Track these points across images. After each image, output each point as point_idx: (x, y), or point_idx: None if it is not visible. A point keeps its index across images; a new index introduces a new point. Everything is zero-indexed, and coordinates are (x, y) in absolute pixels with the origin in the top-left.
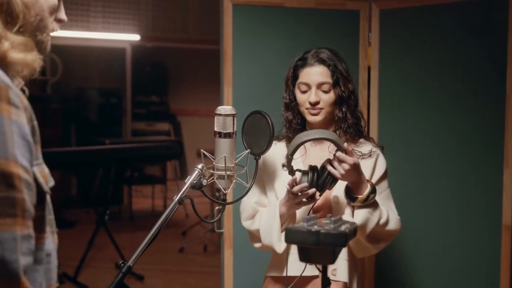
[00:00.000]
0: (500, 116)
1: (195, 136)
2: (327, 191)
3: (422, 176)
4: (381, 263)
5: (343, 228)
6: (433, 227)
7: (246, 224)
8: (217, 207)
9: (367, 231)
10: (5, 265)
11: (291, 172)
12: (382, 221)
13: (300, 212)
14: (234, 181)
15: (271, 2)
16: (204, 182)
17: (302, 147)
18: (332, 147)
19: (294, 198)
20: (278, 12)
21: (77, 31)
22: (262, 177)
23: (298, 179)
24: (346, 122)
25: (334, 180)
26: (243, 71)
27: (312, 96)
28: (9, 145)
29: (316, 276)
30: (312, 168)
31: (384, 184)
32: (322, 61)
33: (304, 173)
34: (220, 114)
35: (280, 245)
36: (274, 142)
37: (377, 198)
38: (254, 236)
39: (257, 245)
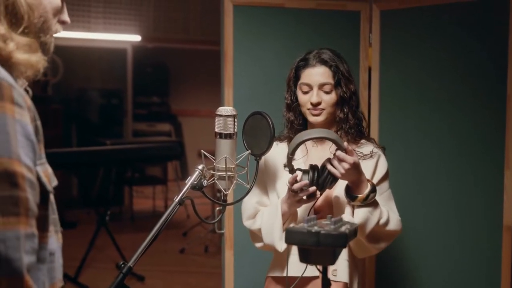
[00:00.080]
0: (500, 117)
1: (196, 137)
2: (328, 191)
3: (423, 177)
4: (382, 263)
5: (343, 229)
6: (433, 228)
7: (248, 223)
8: (217, 208)
9: (367, 231)
10: (9, 263)
11: (292, 171)
12: (382, 221)
13: (301, 212)
14: (234, 182)
15: (272, 3)
16: (205, 183)
17: (303, 147)
18: (334, 148)
19: (294, 196)
20: (279, 13)
21: (78, 31)
22: (263, 178)
23: (299, 178)
24: (348, 123)
25: (334, 179)
26: (244, 72)
27: (313, 96)
28: (13, 144)
29: (317, 277)
30: (313, 167)
31: (385, 185)
32: (323, 62)
33: (304, 171)
34: (220, 115)
35: (281, 244)
36: (275, 142)
37: (378, 198)
38: (256, 235)
39: (259, 244)
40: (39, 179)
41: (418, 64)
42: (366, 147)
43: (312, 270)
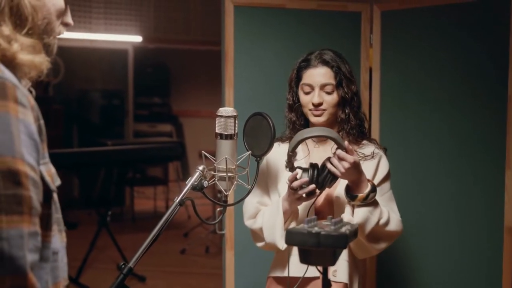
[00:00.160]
0: (501, 118)
1: (197, 138)
2: (329, 191)
3: (423, 177)
4: (383, 264)
5: (343, 229)
6: (434, 229)
7: (249, 223)
8: (218, 209)
9: (367, 231)
10: (12, 261)
11: (292, 168)
12: (382, 221)
13: (302, 211)
14: (235, 182)
15: (273, 4)
16: (205, 183)
17: (305, 148)
18: (335, 148)
19: (294, 194)
20: (280, 13)
21: (79, 32)
22: (265, 178)
23: (298, 176)
24: (349, 124)
25: (334, 178)
26: (245, 73)
27: (315, 97)
28: (16, 144)
29: (317, 277)
30: (313, 165)
31: (387, 185)
32: (325, 63)
33: (304, 169)
34: (221, 116)
35: (282, 242)
36: (277, 143)
37: (380, 199)
38: (257, 235)
39: (260, 244)
40: (42, 178)
41: (419, 64)
42: (368, 148)
43: (313, 271)
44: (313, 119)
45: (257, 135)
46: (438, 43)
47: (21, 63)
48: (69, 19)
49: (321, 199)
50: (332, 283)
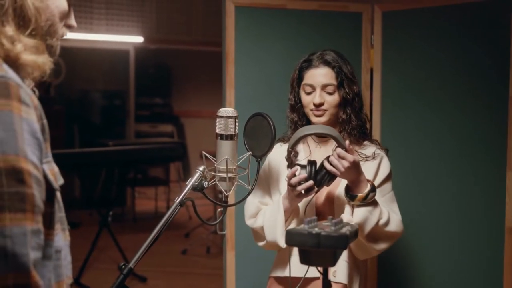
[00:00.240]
0: (503, 118)
1: (198, 138)
2: (330, 191)
3: (424, 178)
4: (384, 264)
5: (344, 230)
6: (435, 229)
7: (250, 222)
8: (219, 209)
9: (366, 231)
10: (16, 258)
11: (291, 164)
12: (382, 221)
13: (303, 211)
14: (235, 183)
15: (273, 4)
16: (206, 184)
17: (306, 147)
18: (335, 147)
19: (293, 190)
20: (280, 14)
21: (81, 33)
22: (267, 178)
23: (297, 173)
24: (350, 124)
25: (332, 176)
26: (246, 73)
27: (316, 97)
28: (20, 142)
29: (317, 278)
30: (311, 162)
31: (388, 186)
32: (327, 63)
33: (302, 166)
34: (221, 116)
35: (283, 240)
36: (279, 143)
37: (381, 200)
38: (258, 234)
39: (261, 243)
40: (45, 176)
41: (420, 65)
42: (369, 149)
43: (313, 271)
44: (314, 119)
45: (257, 136)
46: (439, 43)
47: (24, 63)
48: (72, 21)
49: (322, 199)
50: (332, 283)
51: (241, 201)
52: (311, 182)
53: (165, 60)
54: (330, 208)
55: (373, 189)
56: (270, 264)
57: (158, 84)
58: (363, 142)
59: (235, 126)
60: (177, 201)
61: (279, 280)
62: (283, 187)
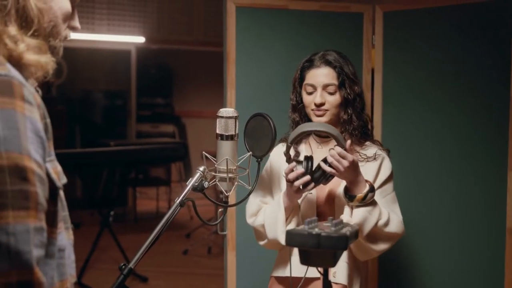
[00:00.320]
0: (503, 118)
1: (199, 138)
2: (331, 191)
3: (425, 178)
4: (385, 264)
5: (344, 231)
6: (435, 230)
7: (250, 220)
8: (220, 209)
9: (366, 231)
10: (19, 256)
11: (289, 160)
12: (382, 222)
13: (304, 210)
14: (236, 183)
15: (275, 5)
16: (206, 184)
17: (308, 147)
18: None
19: (291, 186)
20: (281, 14)
21: (82, 33)
22: (269, 178)
23: (295, 168)
24: (352, 124)
25: (330, 175)
26: (247, 74)
27: (317, 97)
28: (23, 140)
29: (317, 278)
30: (307, 157)
31: (389, 187)
32: (328, 63)
33: (299, 161)
34: (222, 117)
35: (284, 237)
36: (281, 144)
37: (382, 201)
38: (259, 233)
39: (262, 242)
40: (48, 175)
41: (421, 65)
42: (370, 149)
43: (313, 271)
44: (315, 119)
45: (258, 136)
46: (440, 44)
47: (27, 63)
48: (76, 23)
49: (323, 200)
50: (332, 284)
51: (241, 201)
52: (308, 177)
53: (167, 60)
54: (331, 208)
55: (372, 189)
56: (271, 264)
57: (159, 84)
58: (364, 143)
59: (235, 126)
60: (177, 201)
61: (280, 280)
62: (285, 186)
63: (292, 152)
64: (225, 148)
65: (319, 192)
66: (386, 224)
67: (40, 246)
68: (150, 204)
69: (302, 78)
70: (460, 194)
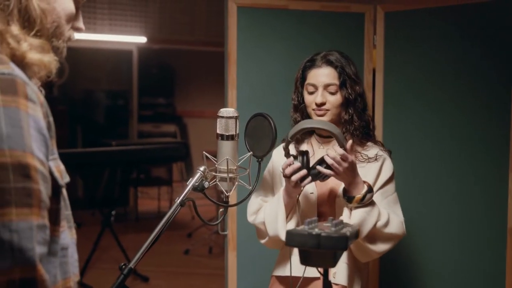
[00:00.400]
0: (505, 119)
1: (201, 138)
2: (332, 192)
3: (425, 179)
4: (385, 265)
5: (344, 231)
6: (435, 230)
7: (251, 219)
8: (221, 209)
9: (365, 232)
10: (22, 253)
11: (287, 154)
12: (381, 222)
13: (305, 210)
14: (236, 183)
15: (276, 5)
16: (206, 184)
17: (310, 147)
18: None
19: (289, 181)
20: (282, 14)
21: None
22: (271, 178)
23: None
24: (353, 125)
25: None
26: (247, 74)
27: (318, 97)
28: (26, 138)
29: (317, 278)
30: (302, 152)
31: (390, 188)
32: (329, 63)
33: (295, 156)
34: (222, 117)
35: (285, 233)
36: (283, 144)
37: (383, 202)
38: (260, 231)
39: (263, 240)
40: (51, 173)
41: (422, 65)
42: (372, 150)
43: (314, 271)
44: (316, 118)
45: (258, 136)
46: (442, 44)
47: (30, 62)
48: (80, 24)
49: (323, 200)
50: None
51: (242, 201)
52: (304, 171)
53: (168, 60)
54: (332, 208)
55: (370, 190)
56: (272, 264)
57: (161, 84)
58: (366, 143)
59: (235, 126)
60: (178, 201)
61: (280, 279)
62: None
63: (293, 151)
64: (226, 148)
65: (319, 192)
66: (386, 224)
67: (43, 243)
68: (152, 204)
69: (303, 78)
70: (460, 194)
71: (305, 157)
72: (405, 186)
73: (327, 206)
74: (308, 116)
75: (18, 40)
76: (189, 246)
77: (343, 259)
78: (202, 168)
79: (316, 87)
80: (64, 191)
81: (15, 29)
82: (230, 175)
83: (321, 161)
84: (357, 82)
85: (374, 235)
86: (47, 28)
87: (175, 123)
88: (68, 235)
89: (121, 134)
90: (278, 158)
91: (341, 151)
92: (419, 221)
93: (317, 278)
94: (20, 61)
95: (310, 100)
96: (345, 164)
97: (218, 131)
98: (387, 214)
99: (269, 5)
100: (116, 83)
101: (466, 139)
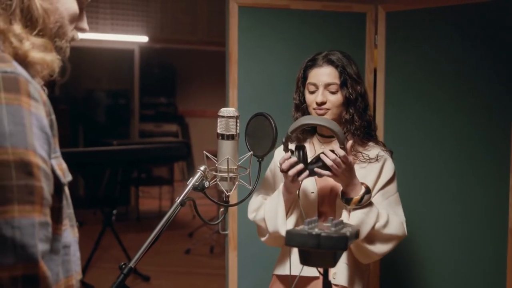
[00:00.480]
0: (507, 119)
1: (202, 138)
2: (333, 192)
3: (425, 178)
4: (386, 265)
5: (344, 231)
6: (435, 230)
7: (251, 216)
8: (221, 209)
9: (364, 233)
10: (25, 249)
11: (286, 149)
12: (380, 224)
13: (305, 209)
14: (236, 183)
15: (277, 4)
16: (206, 184)
17: (312, 147)
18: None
19: (287, 177)
20: (283, 14)
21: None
22: (274, 177)
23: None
24: (354, 124)
25: (325, 169)
26: (248, 73)
27: (318, 96)
28: (29, 136)
29: (317, 277)
30: (298, 147)
31: (391, 188)
32: (330, 62)
33: (292, 151)
34: (223, 116)
35: (285, 229)
36: None
37: (384, 203)
38: (261, 229)
39: (264, 238)
40: (53, 171)
41: (423, 65)
42: (373, 150)
43: (313, 270)
44: None
45: (259, 136)
46: (442, 44)
47: (33, 61)
48: (84, 24)
49: (324, 200)
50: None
51: (242, 201)
52: (301, 165)
53: (170, 60)
54: (332, 208)
55: (368, 191)
56: (272, 263)
57: (162, 83)
58: (367, 143)
59: (236, 126)
60: (178, 200)
61: (281, 278)
62: None
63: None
64: (226, 148)
65: (320, 191)
66: (385, 225)
67: (45, 240)
68: (153, 203)
69: (305, 77)
70: (460, 194)
71: (301, 152)
72: (405, 186)
73: (327, 206)
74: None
75: (20, 39)
76: (190, 245)
77: (344, 260)
78: (202, 168)
79: (317, 86)
80: (67, 190)
81: (17, 28)
82: (231, 174)
83: (318, 158)
84: (358, 82)
85: (373, 236)
86: (50, 28)
87: (177, 123)
88: (70, 234)
89: (123, 133)
90: (280, 155)
91: (341, 151)
92: (419, 221)
93: (316, 278)
94: (22, 59)
95: (311, 99)
96: (344, 166)
97: (218, 131)
98: (386, 215)
99: (270, 5)
100: (117, 82)
101: (466, 139)
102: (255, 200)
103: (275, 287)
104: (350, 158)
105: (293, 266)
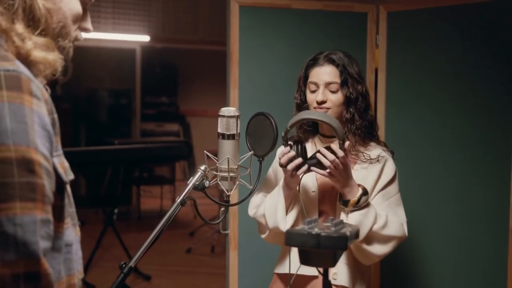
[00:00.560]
0: (507, 119)
1: (204, 137)
2: (333, 191)
3: (426, 179)
4: (386, 265)
5: (344, 231)
6: (435, 230)
7: (252, 212)
8: (222, 209)
9: (362, 235)
10: (26, 246)
11: (286, 143)
12: (378, 225)
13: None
14: (237, 182)
15: (278, 4)
16: (207, 183)
17: (313, 146)
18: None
19: (285, 171)
20: (284, 14)
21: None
22: (275, 176)
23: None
24: (354, 124)
25: (322, 167)
26: (249, 73)
27: (319, 95)
28: (30, 134)
29: (316, 276)
30: (296, 141)
31: (392, 189)
32: (331, 61)
33: (291, 146)
34: (223, 116)
35: (284, 224)
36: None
37: (385, 203)
38: (261, 225)
39: (264, 235)
40: (55, 169)
41: (425, 65)
42: (374, 150)
43: (313, 269)
44: None
45: (259, 135)
46: (442, 44)
47: (35, 60)
48: (87, 24)
49: (324, 199)
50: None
51: (243, 200)
52: (299, 160)
53: (171, 59)
54: (333, 208)
55: (365, 193)
56: (273, 262)
57: (164, 83)
58: (369, 143)
59: (236, 126)
60: (178, 200)
61: (281, 276)
62: None
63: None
64: (227, 147)
65: (321, 191)
66: (383, 226)
67: (46, 238)
68: (154, 202)
69: (306, 76)
70: (460, 194)
71: (299, 146)
72: (406, 186)
73: (328, 205)
74: None
75: (22, 38)
76: (191, 245)
77: (344, 260)
78: (202, 167)
79: (317, 86)
80: (69, 188)
81: (19, 27)
82: (231, 174)
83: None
84: (359, 81)
85: (372, 238)
86: (53, 28)
87: (178, 122)
88: (72, 232)
89: (124, 132)
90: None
91: (340, 152)
92: (419, 221)
93: (315, 277)
94: (25, 58)
95: (312, 98)
96: (342, 167)
97: (219, 130)
98: (385, 216)
99: (271, 4)
100: (119, 82)
101: (466, 139)
102: (257, 197)
103: (275, 286)
104: (348, 159)
105: (293, 264)
